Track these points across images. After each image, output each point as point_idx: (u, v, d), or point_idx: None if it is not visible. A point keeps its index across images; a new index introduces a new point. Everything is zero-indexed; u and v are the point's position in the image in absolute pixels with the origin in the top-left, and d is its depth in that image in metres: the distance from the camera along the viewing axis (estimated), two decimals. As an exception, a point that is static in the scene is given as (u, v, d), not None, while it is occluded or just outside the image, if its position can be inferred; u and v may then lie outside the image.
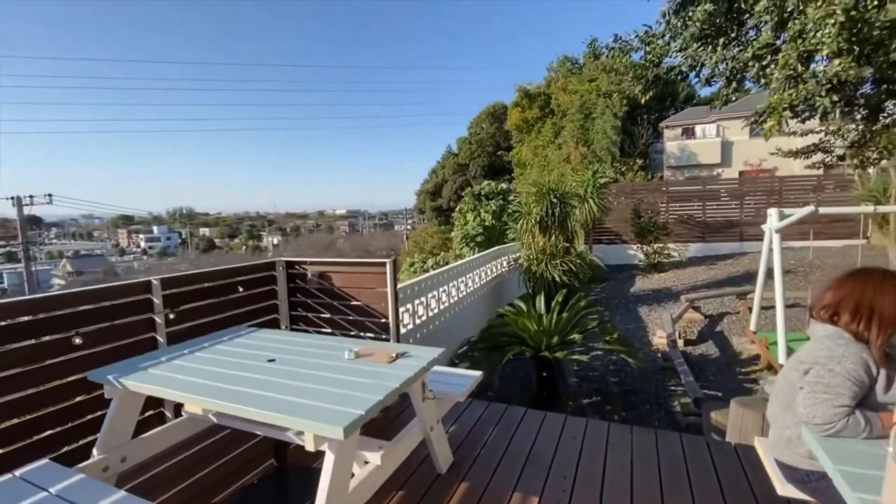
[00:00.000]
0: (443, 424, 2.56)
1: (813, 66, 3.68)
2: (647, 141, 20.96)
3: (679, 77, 5.08)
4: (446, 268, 6.16)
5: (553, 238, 8.29)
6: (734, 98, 4.85)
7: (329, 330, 3.81)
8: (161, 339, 2.88)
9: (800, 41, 3.46)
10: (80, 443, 2.46)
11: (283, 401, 1.73)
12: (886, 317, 1.47)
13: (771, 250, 5.79)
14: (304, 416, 1.60)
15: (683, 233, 13.75)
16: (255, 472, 2.55)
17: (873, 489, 1.16)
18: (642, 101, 6.12)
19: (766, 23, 3.87)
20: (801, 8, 3.48)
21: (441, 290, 5.76)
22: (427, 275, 5.52)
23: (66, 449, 2.40)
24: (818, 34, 3.30)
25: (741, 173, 20.19)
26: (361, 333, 3.70)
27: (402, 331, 4.50)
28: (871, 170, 9.69)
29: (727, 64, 4.40)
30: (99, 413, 2.47)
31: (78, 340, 2.47)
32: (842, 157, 8.75)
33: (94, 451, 2.10)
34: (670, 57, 4.98)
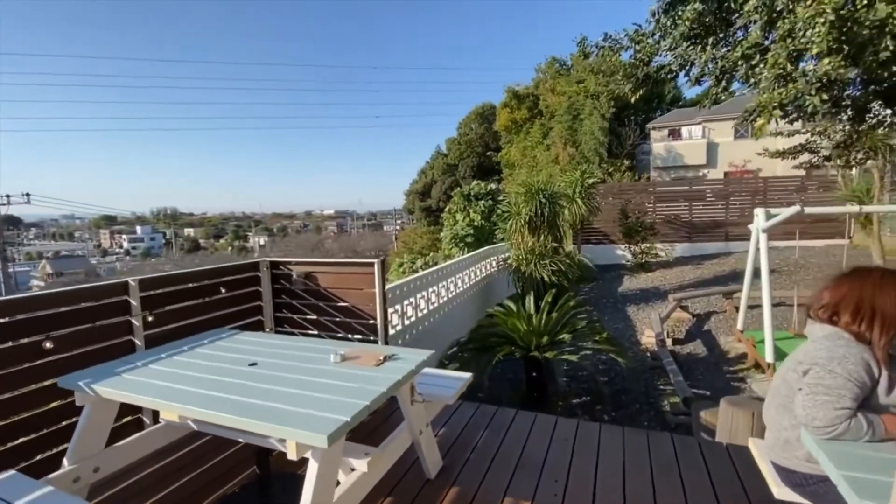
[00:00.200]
0: (432, 427, 2.49)
1: (802, 65, 3.70)
2: (634, 142, 21.16)
3: (669, 76, 5.09)
4: (435, 268, 6.10)
5: (542, 238, 8.28)
6: (724, 97, 4.87)
7: (315, 332, 3.71)
8: (139, 342, 2.76)
9: (789, 40, 3.47)
10: (54, 451, 2.34)
11: (264, 407, 1.64)
12: (889, 317, 1.44)
13: (758, 250, 5.84)
14: (285, 423, 1.52)
15: (670, 233, 13.88)
16: (237, 479, 2.45)
17: (880, 496, 1.12)
18: (632, 99, 6.12)
19: (754, 22, 3.87)
20: (790, 7, 3.49)
21: (430, 290, 5.69)
22: (416, 275, 5.45)
23: (39, 457, 2.29)
24: (808, 33, 3.31)
25: (726, 174, 20.48)
26: (349, 335, 3.61)
27: (391, 332, 4.42)
28: (853, 171, 9.87)
29: (717, 63, 4.41)
30: (75, 420, 2.35)
31: (49, 345, 2.35)
32: (828, 158, 8.87)
33: (65, 462, 1.99)
34: (660, 56, 4.98)
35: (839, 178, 9.73)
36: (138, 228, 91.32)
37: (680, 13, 4.47)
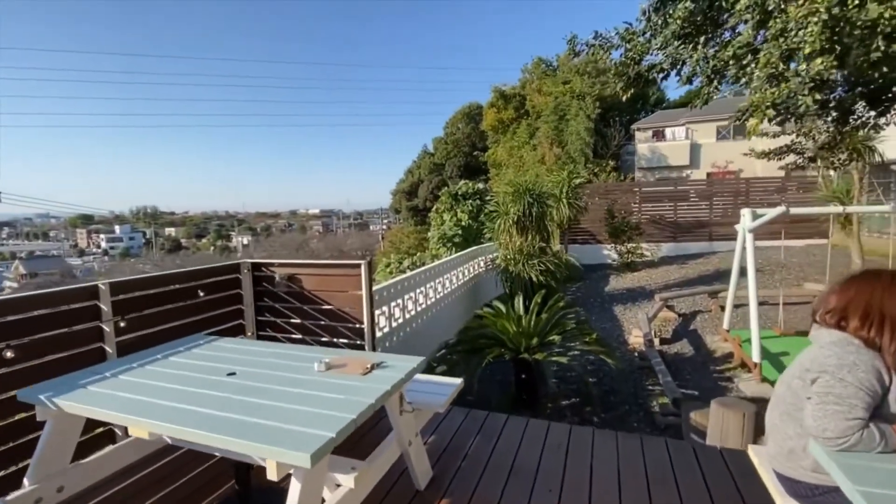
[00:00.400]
0: (421, 436, 2.39)
1: (794, 65, 3.69)
2: (619, 143, 21.33)
3: (660, 75, 5.07)
4: (423, 269, 6.00)
5: (530, 238, 8.24)
6: (715, 97, 4.87)
7: (300, 336, 3.58)
8: (110, 349, 2.60)
9: (781, 40, 3.45)
10: (19, 466, 2.18)
11: (242, 422, 1.53)
12: None
13: (744, 249, 5.87)
14: (265, 440, 1.40)
15: (655, 233, 14.00)
16: (214, 495, 2.31)
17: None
18: (623, 98, 6.10)
19: (746, 21, 3.86)
20: (782, 7, 3.48)
21: (418, 291, 5.59)
22: (404, 276, 5.35)
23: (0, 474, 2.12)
24: (800, 33, 3.30)
25: (709, 175, 20.78)
26: (335, 339, 3.49)
27: (378, 335, 4.31)
28: (832, 172, 10.04)
29: (708, 62, 4.39)
30: (40, 433, 2.19)
31: (10, 354, 2.18)
32: (813, 159, 9.00)
33: (25, 482, 1.85)
34: (651, 55, 4.96)
35: (820, 180, 9.91)
36: (117, 228, 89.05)
37: (671, 12, 4.45)
